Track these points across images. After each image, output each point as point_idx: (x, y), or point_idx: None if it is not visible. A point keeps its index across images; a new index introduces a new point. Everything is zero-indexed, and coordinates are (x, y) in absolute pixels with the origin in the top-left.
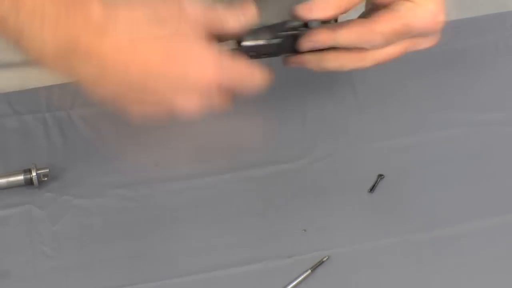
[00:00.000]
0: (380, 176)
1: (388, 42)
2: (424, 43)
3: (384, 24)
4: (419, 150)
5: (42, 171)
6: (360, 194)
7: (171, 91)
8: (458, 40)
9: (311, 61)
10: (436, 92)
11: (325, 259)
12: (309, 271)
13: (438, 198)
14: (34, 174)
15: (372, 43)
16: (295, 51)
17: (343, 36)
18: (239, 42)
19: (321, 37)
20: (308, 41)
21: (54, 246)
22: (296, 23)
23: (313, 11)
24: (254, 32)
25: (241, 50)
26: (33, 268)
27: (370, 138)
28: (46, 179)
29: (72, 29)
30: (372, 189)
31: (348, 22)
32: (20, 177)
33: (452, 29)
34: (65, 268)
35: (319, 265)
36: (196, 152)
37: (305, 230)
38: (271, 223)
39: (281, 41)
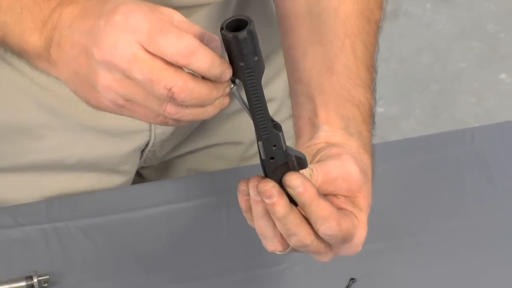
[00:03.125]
0: (352, 280)
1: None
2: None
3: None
4: (389, 255)
5: (42, 277)
6: None
7: (90, 63)
8: (422, 154)
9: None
10: (403, 202)
11: None
12: None
13: None
14: (35, 280)
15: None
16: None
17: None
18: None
19: (308, 193)
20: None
21: None
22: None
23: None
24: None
25: None
26: None
27: None
28: (46, 285)
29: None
30: None
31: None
32: (23, 283)
33: (416, 144)
34: None
35: None
36: (182, 260)
37: None
38: None
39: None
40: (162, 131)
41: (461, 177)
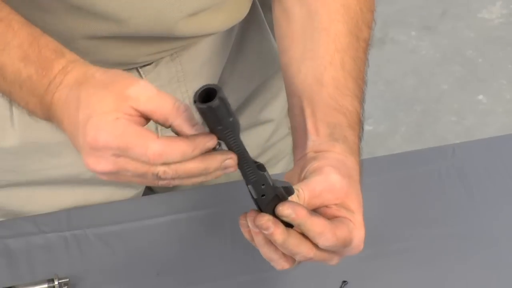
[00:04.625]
0: (344, 282)
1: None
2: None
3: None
4: (377, 260)
5: (63, 280)
6: None
7: (79, 148)
8: (407, 168)
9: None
10: (390, 212)
11: None
12: None
13: None
14: (56, 283)
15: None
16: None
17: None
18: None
19: (300, 212)
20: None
21: None
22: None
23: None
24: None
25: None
26: None
27: None
28: (66, 287)
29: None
30: None
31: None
32: (45, 286)
33: (402, 159)
34: None
35: None
36: (190, 264)
37: None
38: None
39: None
40: None
41: (443, 189)
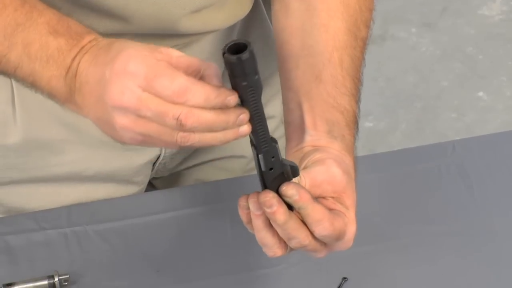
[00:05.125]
0: (344, 279)
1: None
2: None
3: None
4: (377, 256)
5: (63, 277)
6: None
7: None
8: (408, 165)
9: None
10: (390, 208)
11: None
12: None
13: None
14: (56, 279)
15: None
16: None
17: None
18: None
19: (302, 196)
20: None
21: None
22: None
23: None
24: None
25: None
26: None
27: None
28: (66, 283)
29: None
30: None
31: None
32: (45, 282)
33: (402, 156)
34: None
35: None
36: (190, 260)
37: None
38: None
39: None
40: None
41: (443, 185)
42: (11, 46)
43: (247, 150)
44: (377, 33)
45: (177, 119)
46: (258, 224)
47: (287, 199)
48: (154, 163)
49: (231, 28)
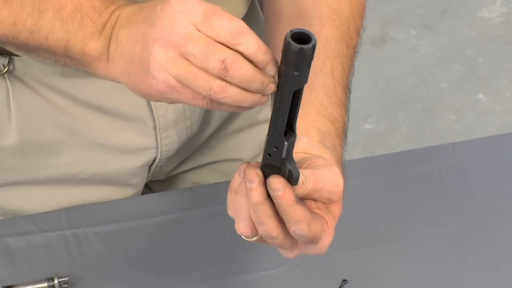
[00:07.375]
0: (344, 281)
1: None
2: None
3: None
4: (377, 258)
5: (62, 279)
6: None
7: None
8: (407, 167)
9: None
10: (390, 210)
11: None
12: None
13: None
14: (56, 281)
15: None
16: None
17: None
18: None
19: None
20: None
21: None
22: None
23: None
24: None
25: None
26: None
27: (335, 249)
28: (66, 286)
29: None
30: None
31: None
32: (45, 284)
33: (402, 158)
34: None
35: None
36: (190, 262)
37: None
38: None
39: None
40: (168, 148)
41: (443, 188)
42: (41, 13)
43: (244, 153)
44: (377, 35)
45: (223, 61)
46: (242, 189)
47: (270, 192)
48: (150, 166)
49: None
